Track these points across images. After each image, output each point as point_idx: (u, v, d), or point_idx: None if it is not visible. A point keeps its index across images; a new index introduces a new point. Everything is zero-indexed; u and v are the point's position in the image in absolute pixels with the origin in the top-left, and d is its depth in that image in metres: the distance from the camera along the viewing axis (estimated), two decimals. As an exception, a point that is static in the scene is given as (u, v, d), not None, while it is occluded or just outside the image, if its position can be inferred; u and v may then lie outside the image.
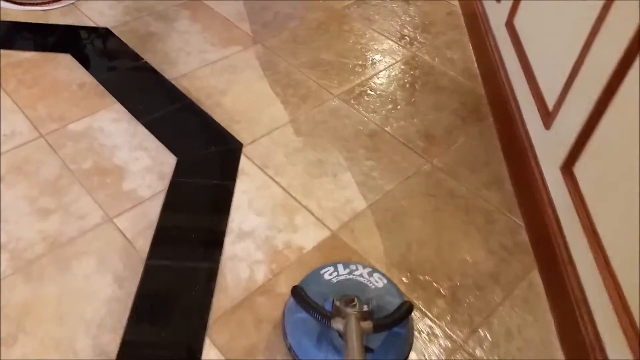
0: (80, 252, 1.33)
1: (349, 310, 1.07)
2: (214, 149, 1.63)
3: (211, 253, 1.35)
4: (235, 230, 1.41)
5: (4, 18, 2.04)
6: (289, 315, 1.19)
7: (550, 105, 1.44)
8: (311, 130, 1.73)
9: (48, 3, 2.11)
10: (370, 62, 2.03)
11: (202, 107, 1.76)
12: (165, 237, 1.37)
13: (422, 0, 2.38)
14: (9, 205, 1.42)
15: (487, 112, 1.85)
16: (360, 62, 2.02)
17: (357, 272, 1.22)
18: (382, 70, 1.99)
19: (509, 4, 1.78)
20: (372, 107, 1.83)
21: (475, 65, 2.05)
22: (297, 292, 1.14)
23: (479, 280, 1.35)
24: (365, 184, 1.57)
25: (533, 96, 1.55)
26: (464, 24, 2.26)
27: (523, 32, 1.69)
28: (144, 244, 1.36)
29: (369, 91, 1.90)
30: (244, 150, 1.64)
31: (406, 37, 2.16)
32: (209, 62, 1.96)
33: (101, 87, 1.79)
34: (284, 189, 1.54)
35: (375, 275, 1.23)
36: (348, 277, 1.21)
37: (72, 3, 2.15)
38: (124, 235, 1.37)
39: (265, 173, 1.57)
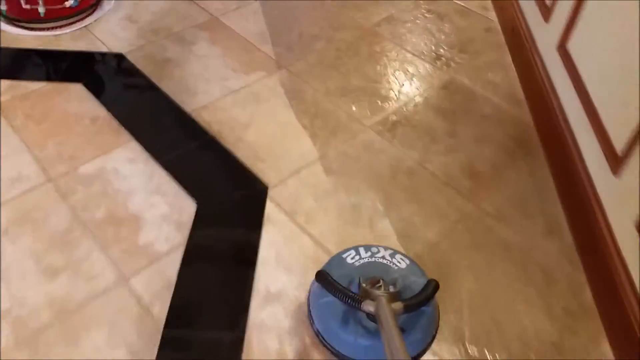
0: (91, 320, 1.19)
1: (377, 292, 1.08)
2: (237, 193, 1.48)
3: (236, 320, 1.20)
4: (262, 291, 1.26)
5: (13, 44, 1.92)
6: (314, 300, 1.19)
7: (619, 147, 1.26)
8: (343, 169, 1.57)
9: (59, 27, 1.99)
10: (404, 87, 1.86)
11: (224, 144, 1.62)
12: (184, 301, 1.23)
13: (457, 16, 2.20)
14: (13, 263, 1.29)
15: (537, 144, 1.67)
16: (393, 88, 1.86)
17: (379, 255, 1.23)
18: (417, 97, 1.83)
19: (561, 24, 1.60)
20: (408, 140, 1.67)
21: (520, 89, 1.87)
22: (323, 277, 1.13)
23: (541, 351, 1.18)
24: (406, 234, 1.41)
25: (595, 134, 1.37)
26: (504, 42, 2.08)
27: (580, 57, 1.51)
28: (160, 309, 1.21)
29: (404, 121, 1.73)
30: (270, 193, 1.49)
31: (442, 58, 1.99)
32: (231, 90, 1.81)
33: (115, 122, 1.66)
34: (315, 239, 1.38)
35: (398, 256, 1.24)
36: (370, 259, 1.22)
37: (85, 26, 2.02)
38: (139, 299, 1.23)
39: (294, 221, 1.42)
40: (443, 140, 1.67)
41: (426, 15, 2.20)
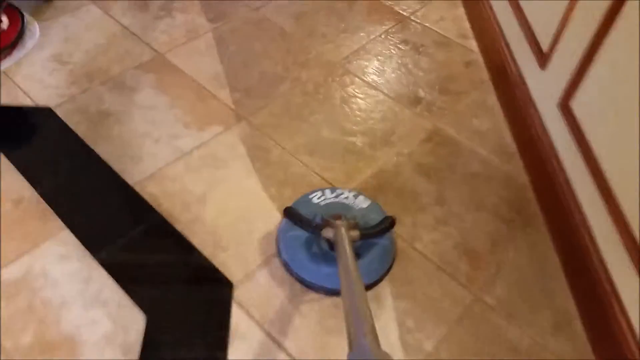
0: None
1: (337, 222, 1.19)
2: (196, 297, 1.23)
3: None
4: None
5: None
6: (283, 234, 1.31)
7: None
8: (320, 253, 1.34)
9: (-30, 75, 1.66)
10: (382, 140, 1.64)
11: (176, 226, 1.36)
12: None
13: (434, 47, 1.99)
14: None
15: (536, 209, 1.49)
16: (369, 141, 1.63)
17: (343, 196, 1.38)
18: (399, 153, 1.61)
19: (564, 78, 1.39)
20: (392, 210, 1.44)
21: (510, 138, 1.68)
22: (289, 211, 1.27)
23: None
24: (401, 341, 1.20)
25: (609, 214, 1.19)
26: (488, 79, 1.88)
27: (587, 121, 1.31)
28: None
29: (386, 186, 1.51)
30: (236, 294, 1.24)
31: (422, 101, 1.77)
32: (183, 152, 1.54)
33: (43, 204, 1.37)
34: (292, 357, 1.15)
35: (361, 197, 1.38)
36: (335, 199, 1.37)
37: (3, 71, 1.70)
38: None
39: (266, 332, 1.19)
40: (431, 209, 1.47)
41: (400, 46, 1.98)
